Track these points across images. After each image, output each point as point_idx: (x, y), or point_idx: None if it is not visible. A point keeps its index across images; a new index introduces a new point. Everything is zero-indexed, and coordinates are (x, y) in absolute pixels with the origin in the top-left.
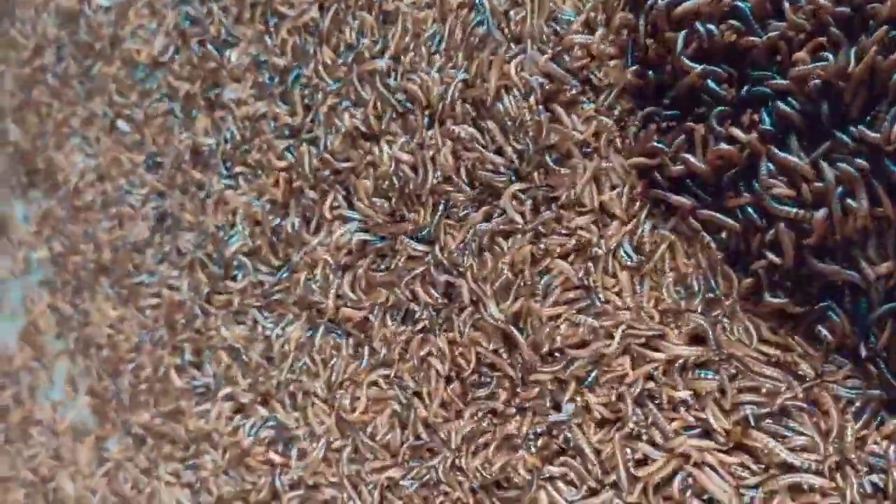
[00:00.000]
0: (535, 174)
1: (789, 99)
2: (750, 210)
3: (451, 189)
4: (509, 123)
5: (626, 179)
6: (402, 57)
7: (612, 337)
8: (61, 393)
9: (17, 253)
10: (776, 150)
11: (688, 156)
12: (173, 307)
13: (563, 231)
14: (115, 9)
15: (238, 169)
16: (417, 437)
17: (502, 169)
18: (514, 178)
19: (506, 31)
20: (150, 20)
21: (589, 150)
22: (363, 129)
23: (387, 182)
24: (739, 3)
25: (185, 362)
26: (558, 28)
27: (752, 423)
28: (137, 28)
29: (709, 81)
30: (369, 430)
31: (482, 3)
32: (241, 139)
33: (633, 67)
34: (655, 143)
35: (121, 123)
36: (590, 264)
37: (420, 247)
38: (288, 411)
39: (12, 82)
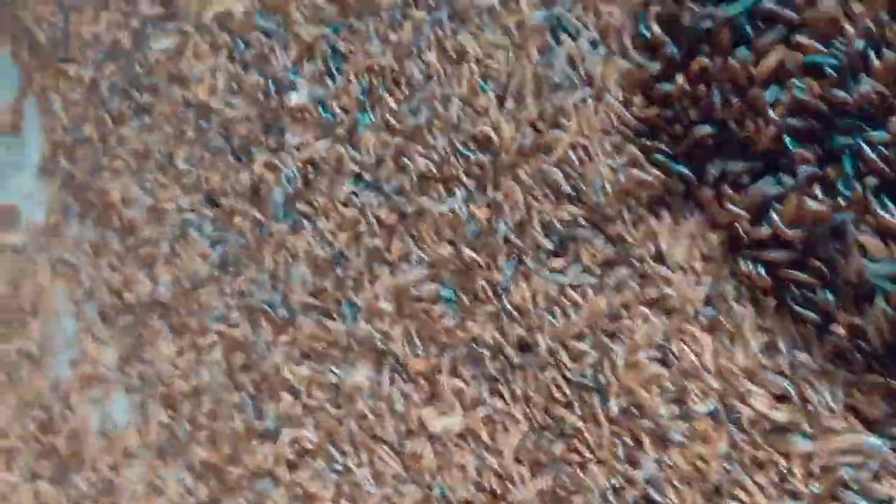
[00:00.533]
0: (612, 226)
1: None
2: (835, 268)
3: (522, 240)
4: (583, 173)
5: (708, 235)
6: (472, 99)
7: (694, 394)
8: (117, 426)
9: (72, 285)
10: (878, 209)
11: (776, 219)
12: (234, 346)
13: (642, 285)
14: (173, 47)
15: (300, 209)
16: (491, 491)
17: (580, 220)
18: (590, 229)
19: (581, 73)
20: (208, 58)
21: (667, 201)
22: (433, 172)
23: (457, 229)
24: (829, 59)
25: (245, 401)
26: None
27: (844, 486)
28: (195, 66)
29: (790, 138)
30: (438, 480)
31: (557, 46)
32: (303, 181)
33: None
34: (734, 206)
35: (179, 161)
36: (670, 319)
37: (492, 296)
38: (353, 455)
39: (65, 116)
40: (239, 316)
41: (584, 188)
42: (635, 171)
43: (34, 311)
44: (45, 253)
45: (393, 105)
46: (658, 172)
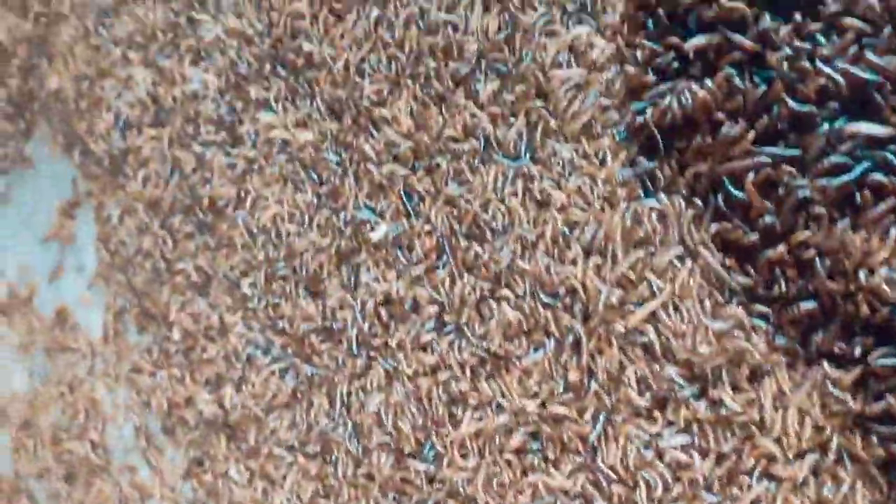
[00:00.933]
0: (712, 390)
1: None
2: None
3: (614, 396)
4: (678, 333)
5: (816, 405)
6: (556, 250)
7: None
8: None
9: (131, 393)
10: None
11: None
12: (307, 476)
13: (742, 452)
14: (239, 172)
15: (375, 346)
16: None
17: (677, 380)
18: (689, 390)
19: (675, 231)
20: (275, 186)
21: (770, 370)
22: (518, 321)
23: (543, 381)
24: None
25: None
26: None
27: None
28: (262, 192)
29: None
30: None
31: (646, 200)
32: (379, 319)
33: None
34: (841, 388)
35: (244, 286)
36: (776, 489)
37: (581, 449)
38: None
39: (122, 227)
40: (312, 447)
41: (680, 349)
42: (736, 341)
43: (90, 415)
44: (99, 358)
45: (476, 249)
46: (760, 341)
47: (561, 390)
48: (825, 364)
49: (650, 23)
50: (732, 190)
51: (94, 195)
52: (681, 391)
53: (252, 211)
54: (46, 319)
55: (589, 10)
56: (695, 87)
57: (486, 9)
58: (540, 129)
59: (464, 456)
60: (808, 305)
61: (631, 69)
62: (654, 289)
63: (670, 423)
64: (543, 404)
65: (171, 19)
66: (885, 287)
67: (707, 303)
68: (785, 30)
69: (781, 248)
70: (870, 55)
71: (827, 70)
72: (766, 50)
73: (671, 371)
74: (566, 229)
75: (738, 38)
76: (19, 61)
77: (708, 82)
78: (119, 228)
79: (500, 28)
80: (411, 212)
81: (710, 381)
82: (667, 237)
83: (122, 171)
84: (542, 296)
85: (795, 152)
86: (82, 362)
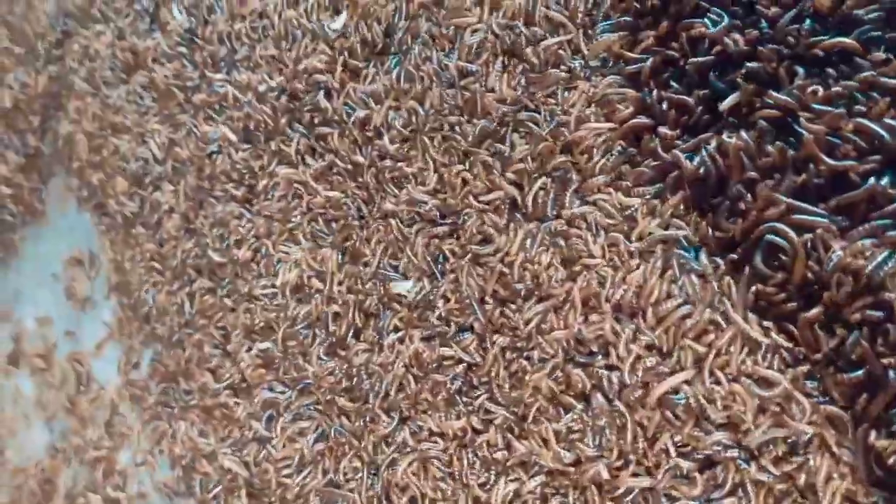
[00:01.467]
0: (760, 457)
1: None
2: None
3: (654, 459)
4: (715, 400)
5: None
6: (587, 311)
7: None
8: None
9: (152, 448)
10: None
11: None
12: None
13: None
14: (262, 230)
15: (402, 407)
16: None
17: (724, 444)
18: (736, 452)
19: (715, 289)
20: (296, 242)
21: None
22: (550, 383)
23: (577, 442)
24: None
25: None
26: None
27: None
28: (282, 250)
29: None
30: None
31: (682, 261)
32: (406, 379)
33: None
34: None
35: (266, 344)
36: None
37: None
38: None
39: (140, 283)
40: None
41: (720, 413)
42: (781, 410)
43: (109, 470)
44: (118, 412)
45: (504, 309)
46: (805, 406)
47: (596, 452)
48: (872, 432)
49: (677, 77)
50: (773, 246)
51: (111, 249)
52: (723, 454)
53: (272, 268)
54: (65, 372)
55: (612, 64)
56: (726, 138)
57: (506, 66)
58: (566, 184)
59: None
60: (855, 375)
61: (662, 128)
62: (695, 351)
63: (716, 486)
64: (578, 466)
65: (184, 75)
66: None
67: (748, 365)
68: (820, 88)
69: (820, 309)
70: None
71: (873, 126)
72: (800, 108)
73: (717, 437)
74: (598, 288)
75: (774, 95)
76: (34, 116)
77: (743, 134)
78: (137, 282)
79: (521, 84)
80: (437, 273)
81: (753, 447)
82: (704, 298)
83: (138, 226)
84: (575, 356)
85: (836, 211)
86: (101, 416)
